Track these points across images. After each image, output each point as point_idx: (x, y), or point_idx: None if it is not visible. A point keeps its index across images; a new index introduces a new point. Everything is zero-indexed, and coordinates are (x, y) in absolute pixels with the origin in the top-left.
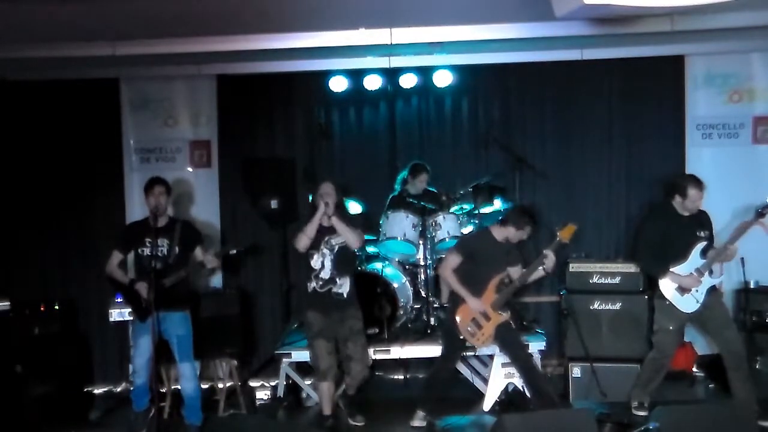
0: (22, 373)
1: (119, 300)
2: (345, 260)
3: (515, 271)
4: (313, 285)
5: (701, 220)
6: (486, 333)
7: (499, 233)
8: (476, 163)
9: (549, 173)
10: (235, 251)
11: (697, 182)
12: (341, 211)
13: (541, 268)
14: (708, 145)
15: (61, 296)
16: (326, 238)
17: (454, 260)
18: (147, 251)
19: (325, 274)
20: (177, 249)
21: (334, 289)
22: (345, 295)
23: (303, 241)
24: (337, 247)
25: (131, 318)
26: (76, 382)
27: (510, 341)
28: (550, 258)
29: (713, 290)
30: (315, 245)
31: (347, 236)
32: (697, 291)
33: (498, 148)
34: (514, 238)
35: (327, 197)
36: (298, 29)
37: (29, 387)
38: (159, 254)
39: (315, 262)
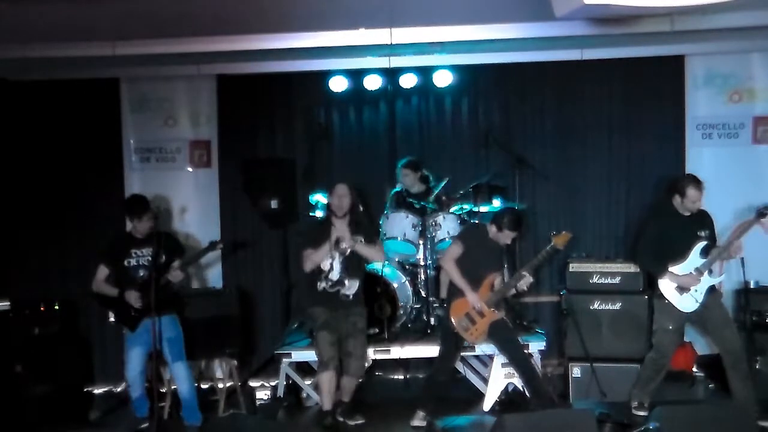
0: (22, 373)
1: (111, 319)
2: (353, 263)
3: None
4: (322, 285)
5: (702, 219)
6: (479, 329)
7: (490, 232)
8: (476, 163)
9: (549, 173)
10: (219, 246)
11: (696, 182)
12: (353, 215)
13: (515, 286)
14: (708, 145)
15: (61, 296)
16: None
17: (455, 250)
18: (134, 262)
19: (334, 276)
20: (163, 258)
21: (343, 291)
22: (351, 297)
23: (308, 266)
24: (348, 251)
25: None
26: (76, 382)
27: (507, 341)
28: (526, 279)
29: (713, 290)
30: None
31: (372, 256)
32: (696, 291)
33: (498, 148)
34: (501, 239)
35: (341, 199)
36: (298, 29)
37: (29, 387)
38: (145, 263)
39: (324, 264)
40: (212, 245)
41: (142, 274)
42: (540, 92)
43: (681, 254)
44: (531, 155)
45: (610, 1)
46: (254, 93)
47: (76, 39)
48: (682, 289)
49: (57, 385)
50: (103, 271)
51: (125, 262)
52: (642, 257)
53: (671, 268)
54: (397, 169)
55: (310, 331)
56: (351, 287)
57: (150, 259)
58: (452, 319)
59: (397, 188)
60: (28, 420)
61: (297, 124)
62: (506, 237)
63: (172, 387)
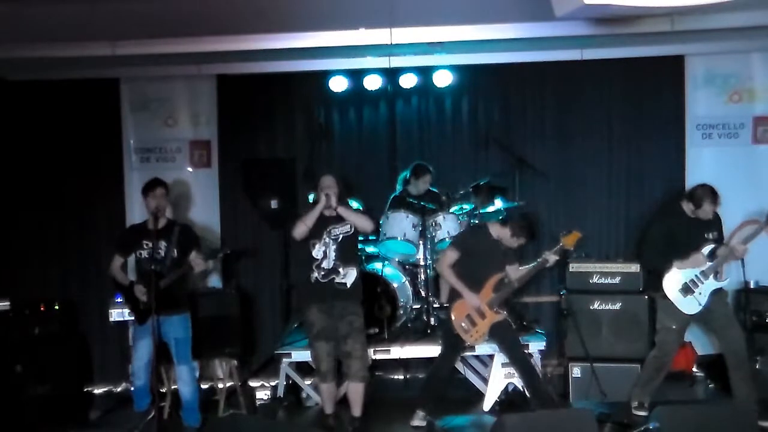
0: (22, 373)
1: (119, 300)
2: (348, 250)
3: (513, 270)
4: (315, 275)
5: (711, 221)
6: (480, 331)
7: (495, 231)
8: (476, 163)
9: (549, 173)
10: (222, 253)
11: (714, 197)
12: (344, 202)
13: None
14: (708, 145)
15: (61, 296)
16: (329, 228)
17: (451, 256)
18: (145, 254)
19: (328, 264)
20: (175, 251)
21: (337, 280)
22: (348, 286)
23: (300, 229)
24: (340, 237)
25: (131, 318)
26: (76, 382)
27: (508, 341)
28: (552, 259)
29: (717, 291)
30: (317, 235)
31: (357, 221)
32: (700, 293)
33: (498, 148)
34: (507, 242)
35: (328, 189)
36: (298, 29)
37: (29, 387)
38: (157, 257)
39: (317, 252)
40: (215, 252)
41: (153, 267)
42: (540, 92)
43: (687, 256)
44: (531, 155)
45: (610, 1)
46: (254, 93)
47: (76, 39)
48: (686, 291)
49: (57, 385)
50: (117, 260)
51: (137, 254)
52: (647, 255)
53: (676, 265)
54: (405, 174)
55: None
56: (347, 276)
57: (161, 253)
58: (453, 321)
59: (396, 192)
60: (28, 420)
61: (297, 124)
62: (515, 242)
63: (173, 387)
